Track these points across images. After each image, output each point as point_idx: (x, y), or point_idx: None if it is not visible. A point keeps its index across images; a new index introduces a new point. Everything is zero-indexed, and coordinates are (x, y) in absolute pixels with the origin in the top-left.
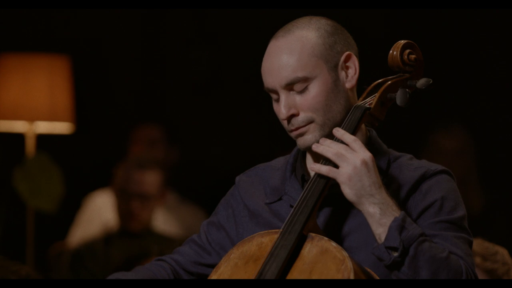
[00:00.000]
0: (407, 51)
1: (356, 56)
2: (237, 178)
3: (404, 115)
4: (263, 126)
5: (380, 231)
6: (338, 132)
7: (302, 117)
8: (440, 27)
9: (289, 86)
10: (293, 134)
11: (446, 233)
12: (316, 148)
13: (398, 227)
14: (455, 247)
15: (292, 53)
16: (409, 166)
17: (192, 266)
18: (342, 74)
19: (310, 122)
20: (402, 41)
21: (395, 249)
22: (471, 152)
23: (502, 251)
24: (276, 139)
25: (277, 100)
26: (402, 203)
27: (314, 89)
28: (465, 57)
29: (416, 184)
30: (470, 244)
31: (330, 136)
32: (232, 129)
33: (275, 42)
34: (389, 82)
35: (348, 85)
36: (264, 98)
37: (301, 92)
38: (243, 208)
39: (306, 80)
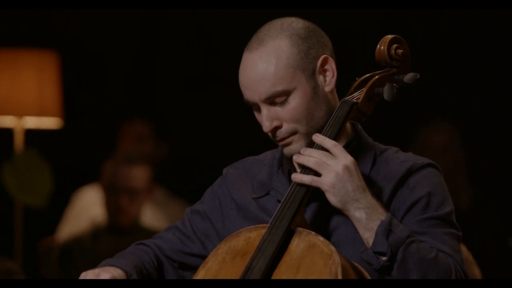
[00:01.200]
0: (394, 45)
1: (332, 57)
2: (225, 170)
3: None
4: (253, 122)
5: (368, 235)
6: (318, 138)
7: (285, 128)
8: (427, 22)
9: (269, 100)
10: (279, 144)
11: (435, 229)
12: (296, 159)
13: (385, 231)
14: (444, 244)
15: (268, 67)
16: (396, 159)
17: (174, 253)
18: (320, 78)
19: (294, 133)
20: (390, 36)
21: (383, 254)
22: (459, 147)
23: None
24: (266, 135)
25: (259, 110)
26: (389, 198)
27: (295, 100)
28: (453, 52)
29: (403, 178)
30: (458, 239)
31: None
32: (221, 125)
33: (249, 55)
34: (377, 76)
35: (327, 88)
36: None
37: (282, 104)
38: (231, 201)
39: (285, 93)
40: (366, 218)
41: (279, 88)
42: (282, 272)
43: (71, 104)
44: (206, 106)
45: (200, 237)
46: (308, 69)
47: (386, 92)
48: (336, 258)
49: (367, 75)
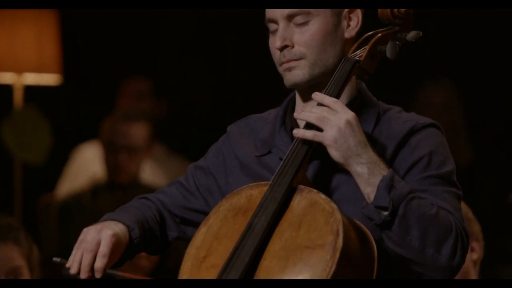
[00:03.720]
0: None
1: (361, 11)
2: (229, 128)
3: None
4: (252, 79)
5: (369, 190)
6: (318, 96)
7: (295, 50)
8: None
9: (290, 17)
10: (282, 67)
11: (435, 188)
12: (297, 115)
13: (387, 186)
14: (445, 202)
15: None
16: (398, 119)
17: (177, 209)
18: (344, 22)
19: (302, 57)
20: None
21: (384, 208)
22: (459, 106)
23: (462, 206)
24: (265, 92)
25: (274, 32)
26: (390, 158)
27: (314, 26)
28: (454, 10)
29: (405, 138)
30: (459, 198)
31: (318, 76)
32: (220, 82)
33: None
34: (379, 34)
35: (347, 35)
36: (254, 52)
37: (300, 25)
38: (234, 158)
39: (308, 14)
40: (368, 173)
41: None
42: (283, 230)
43: (70, 60)
44: (206, 63)
45: (203, 193)
46: None
47: (389, 50)
48: (338, 215)
49: (369, 33)
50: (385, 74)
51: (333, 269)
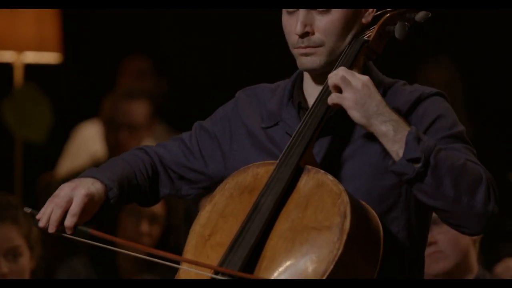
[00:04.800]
0: None
1: None
2: (237, 94)
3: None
4: (254, 57)
5: (397, 147)
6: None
7: (316, 37)
8: None
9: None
10: (298, 51)
11: (453, 145)
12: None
13: (415, 139)
14: (467, 156)
15: None
16: (404, 91)
17: (175, 165)
18: (362, 8)
19: (321, 45)
20: None
21: (416, 160)
22: (459, 85)
23: None
24: (266, 70)
25: (292, 13)
26: None
27: (337, 13)
28: None
29: (412, 107)
30: (475, 156)
31: (333, 62)
32: (221, 60)
33: None
34: (388, 15)
35: (364, 20)
36: (255, 29)
37: (323, 12)
38: (241, 125)
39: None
40: (393, 130)
41: None
42: (290, 210)
43: (71, 38)
44: (206, 40)
45: (205, 155)
46: None
47: (398, 30)
48: (345, 197)
49: (377, 12)
50: (386, 53)
51: (340, 251)
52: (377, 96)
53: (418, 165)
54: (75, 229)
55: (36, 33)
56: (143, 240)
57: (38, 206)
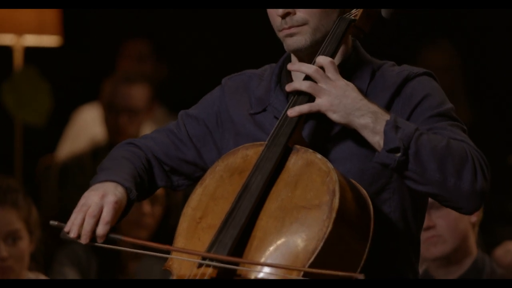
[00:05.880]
0: None
1: None
2: (223, 81)
3: (391, 30)
4: (253, 41)
5: (377, 138)
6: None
7: (298, 16)
8: None
9: None
10: (283, 33)
11: (440, 124)
12: (289, 87)
13: (393, 128)
14: (453, 133)
15: None
16: (392, 72)
17: (167, 158)
18: None
19: (304, 23)
20: None
21: (396, 150)
22: (459, 68)
23: None
24: (265, 54)
25: None
26: (387, 108)
27: None
28: None
29: (400, 87)
30: (464, 131)
31: (319, 41)
32: (220, 43)
33: None
34: None
35: None
36: (255, 13)
37: None
38: (229, 114)
39: None
40: (372, 122)
41: None
42: (279, 190)
43: (70, 22)
44: (206, 23)
45: (196, 143)
46: None
47: (384, 9)
48: (334, 175)
49: None
50: (385, 36)
51: (329, 229)
52: (351, 93)
53: (398, 154)
54: (107, 237)
55: (36, 16)
56: (146, 221)
57: (38, 189)
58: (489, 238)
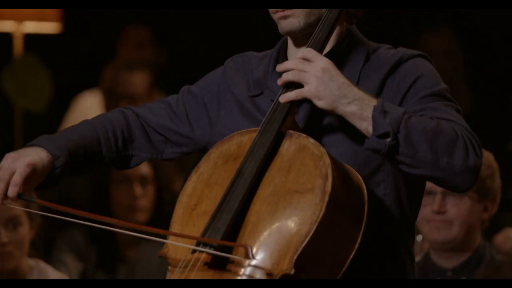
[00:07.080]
0: None
1: None
2: (226, 62)
3: (392, 16)
4: (253, 26)
5: (365, 125)
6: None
7: None
8: None
9: None
10: (277, 15)
11: (433, 104)
12: (278, 68)
13: (381, 113)
14: (446, 114)
15: None
16: (387, 54)
17: (160, 128)
18: None
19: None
20: None
21: (386, 135)
22: (459, 53)
23: (487, 155)
24: (265, 39)
25: None
26: (378, 87)
27: None
28: None
29: (393, 68)
30: (458, 111)
31: (313, 24)
32: (220, 30)
33: None
34: None
35: None
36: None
37: None
38: (230, 93)
39: None
40: (358, 109)
41: None
42: (273, 175)
43: (70, 8)
44: (206, 10)
45: (191, 120)
46: None
47: None
48: (327, 159)
49: None
50: (385, 21)
51: (322, 212)
52: (338, 78)
53: (388, 139)
54: (19, 197)
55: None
56: (140, 203)
57: None
58: (489, 225)
